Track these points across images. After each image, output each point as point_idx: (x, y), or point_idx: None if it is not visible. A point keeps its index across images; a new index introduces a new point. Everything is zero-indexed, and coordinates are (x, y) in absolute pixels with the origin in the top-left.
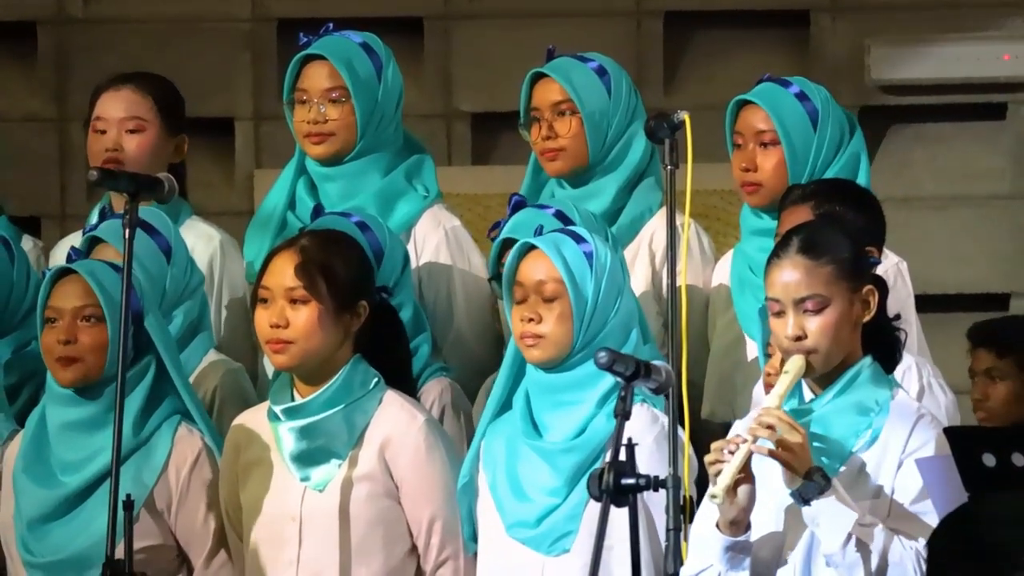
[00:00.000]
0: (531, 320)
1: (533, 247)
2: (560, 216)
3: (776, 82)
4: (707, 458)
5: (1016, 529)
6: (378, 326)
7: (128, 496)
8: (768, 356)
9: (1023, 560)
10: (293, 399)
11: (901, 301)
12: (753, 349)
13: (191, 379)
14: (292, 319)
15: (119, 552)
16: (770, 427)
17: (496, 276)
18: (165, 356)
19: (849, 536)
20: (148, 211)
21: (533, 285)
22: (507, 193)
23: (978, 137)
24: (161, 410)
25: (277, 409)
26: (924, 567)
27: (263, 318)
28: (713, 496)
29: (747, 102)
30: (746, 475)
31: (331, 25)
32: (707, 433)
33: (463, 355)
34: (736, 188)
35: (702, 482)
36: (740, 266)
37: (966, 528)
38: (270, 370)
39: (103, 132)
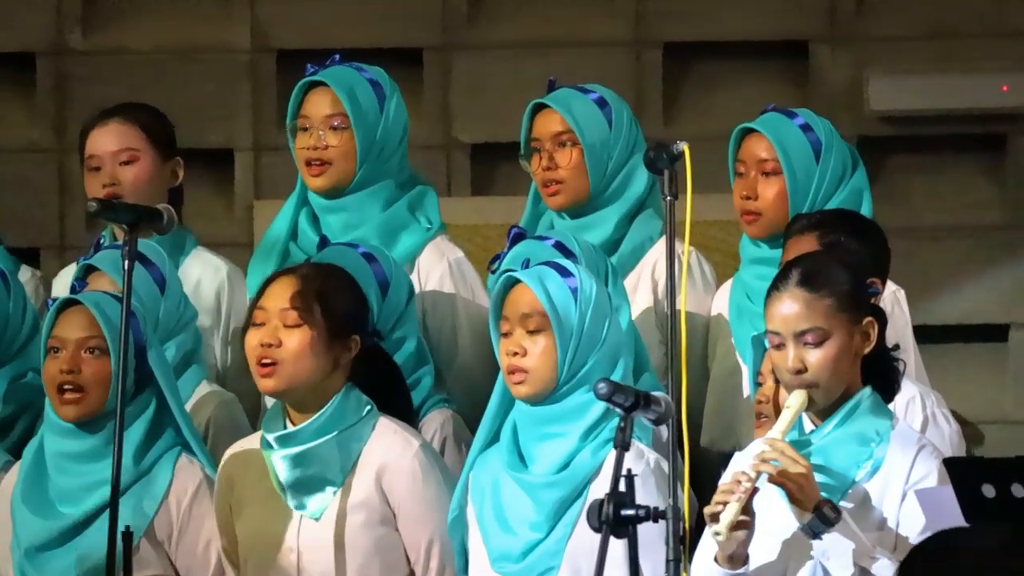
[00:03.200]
0: (516, 354)
1: (519, 280)
2: (559, 247)
3: (781, 112)
4: (714, 498)
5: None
6: (373, 368)
7: (127, 528)
8: (759, 385)
9: None
10: (286, 427)
11: (899, 329)
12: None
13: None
14: (284, 340)
15: None
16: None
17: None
18: (166, 389)
19: (861, 570)
20: (143, 243)
21: (518, 318)
22: (507, 224)
23: (977, 167)
24: (162, 442)
25: (270, 437)
26: None
27: (255, 338)
28: (717, 533)
29: (751, 131)
30: (747, 512)
31: (338, 56)
32: (705, 462)
33: (467, 385)
34: (736, 218)
35: (699, 512)
36: (738, 295)
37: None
38: (270, 401)
39: (98, 169)
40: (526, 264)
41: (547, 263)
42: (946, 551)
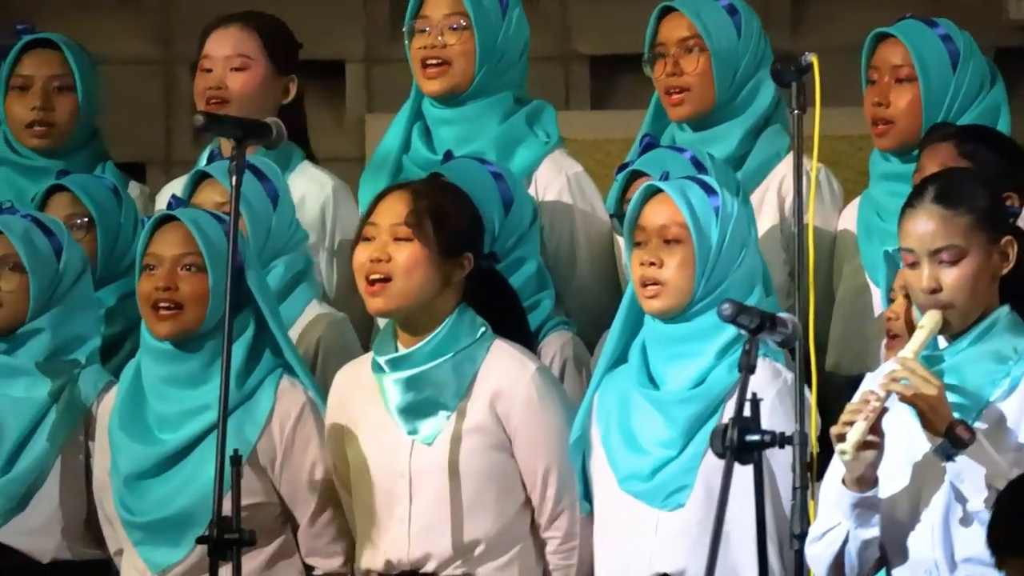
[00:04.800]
0: (652, 264)
1: (658, 191)
2: (695, 162)
3: (921, 20)
4: (841, 418)
5: None
6: (488, 291)
7: (236, 451)
8: (891, 301)
9: None
10: (396, 350)
11: None
12: (881, 299)
13: (295, 329)
14: (394, 255)
15: (226, 509)
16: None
17: (618, 213)
18: (266, 309)
19: (997, 493)
20: (258, 159)
21: (656, 229)
22: (627, 139)
23: None
24: (263, 364)
25: (381, 360)
26: None
27: (363, 254)
28: (843, 452)
29: (886, 36)
30: (876, 432)
31: None
32: (831, 386)
33: (585, 301)
34: (866, 132)
35: (825, 438)
36: (868, 212)
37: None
38: (382, 322)
39: (209, 71)
40: (665, 176)
41: (690, 178)
42: None
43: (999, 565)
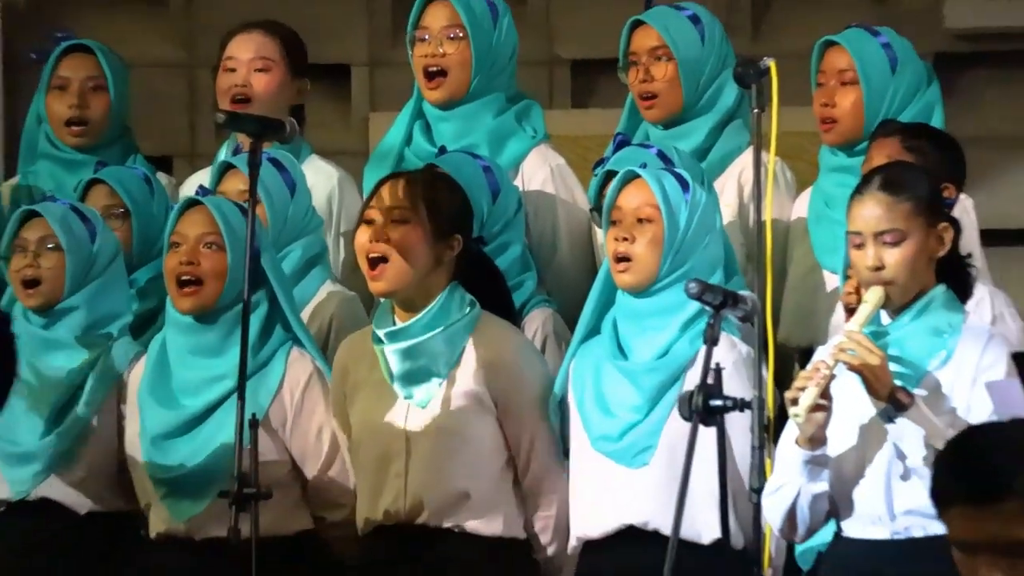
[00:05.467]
0: (625, 239)
1: (636, 177)
2: (661, 155)
3: (864, 28)
4: (794, 384)
5: (1012, 455)
6: (477, 272)
7: (253, 415)
8: (847, 279)
9: (1014, 484)
10: (394, 324)
11: (974, 233)
12: (827, 278)
13: (310, 307)
14: (391, 235)
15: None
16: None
17: (597, 207)
18: (278, 289)
19: (933, 449)
20: (278, 152)
21: (631, 209)
22: (604, 135)
23: None
24: (275, 337)
25: (380, 333)
26: None
27: (364, 235)
28: (796, 415)
29: (832, 43)
30: (825, 396)
31: None
32: (783, 357)
33: (564, 281)
34: (818, 129)
35: (780, 405)
36: (817, 201)
37: (962, 450)
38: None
39: (233, 71)
40: (643, 166)
41: (666, 169)
42: (977, 440)
43: (941, 515)
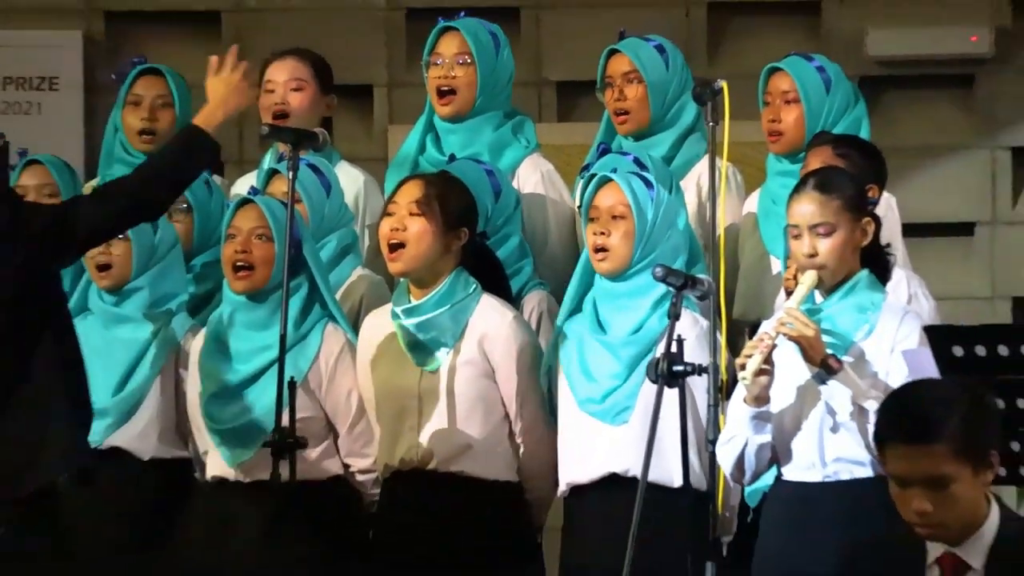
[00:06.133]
0: (602, 234)
1: (610, 180)
2: (636, 161)
3: (802, 56)
4: (742, 352)
5: (941, 407)
6: (481, 261)
7: (292, 379)
8: (788, 267)
9: (943, 430)
10: (409, 302)
11: (891, 226)
12: (774, 264)
13: (343, 288)
14: (408, 225)
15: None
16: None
17: (582, 205)
18: (316, 274)
19: (858, 407)
20: (316, 158)
21: (606, 208)
22: (586, 145)
23: (951, 101)
24: (313, 314)
25: (397, 309)
26: None
27: (386, 225)
28: (744, 378)
29: (777, 69)
30: (768, 363)
31: (463, 12)
32: (737, 330)
33: (554, 267)
34: (764, 139)
35: (732, 370)
36: (765, 200)
37: (900, 402)
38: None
39: (272, 91)
40: (615, 171)
41: (634, 173)
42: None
43: (880, 454)
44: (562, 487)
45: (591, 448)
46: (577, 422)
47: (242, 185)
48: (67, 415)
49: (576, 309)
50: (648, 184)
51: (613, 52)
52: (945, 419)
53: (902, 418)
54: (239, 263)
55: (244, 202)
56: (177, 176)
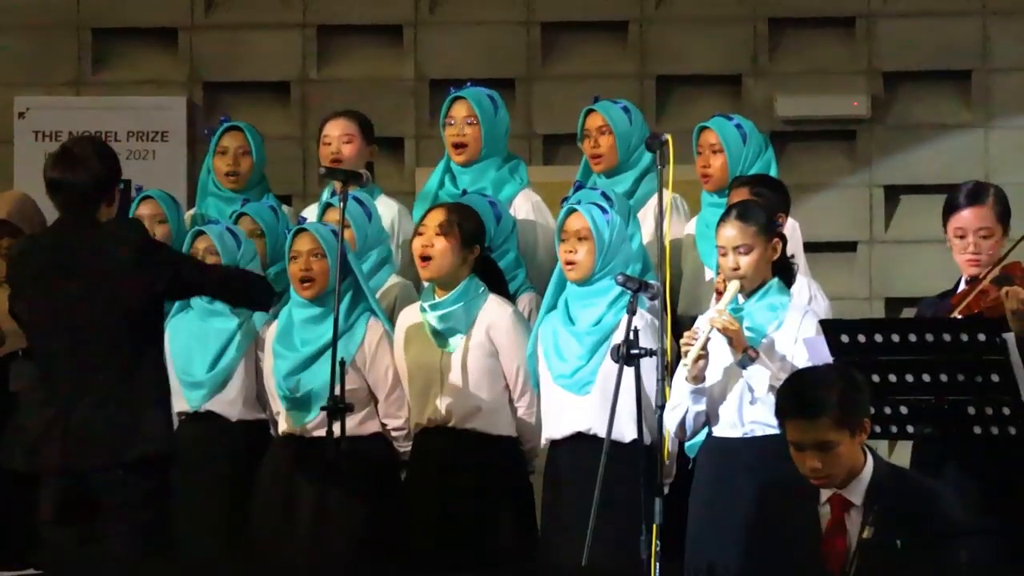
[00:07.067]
0: (571, 252)
1: (576, 210)
2: (604, 195)
3: (724, 116)
4: (681, 341)
5: (823, 389)
6: (486, 269)
7: (342, 359)
8: (718, 276)
9: (826, 407)
10: (434, 299)
11: (795, 244)
12: (708, 273)
13: (382, 290)
14: (434, 243)
15: (337, 391)
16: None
17: None
18: (361, 280)
19: (771, 387)
20: (360, 193)
21: (574, 231)
22: (566, 182)
23: (839, 150)
24: (358, 310)
25: (425, 305)
26: None
27: (418, 242)
28: (686, 363)
29: (705, 127)
30: (704, 351)
31: (469, 83)
32: (681, 322)
33: (541, 275)
34: (699, 179)
35: (676, 353)
36: (700, 225)
37: (792, 387)
38: (426, 285)
39: (328, 144)
40: (579, 203)
41: (594, 203)
42: (801, 380)
43: (780, 425)
44: (543, 441)
45: (562, 412)
46: (553, 392)
47: (308, 213)
48: (156, 404)
49: (553, 307)
50: (604, 211)
51: (590, 111)
52: (826, 398)
53: (794, 399)
54: (303, 277)
55: (299, 231)
56: (241, 292)
